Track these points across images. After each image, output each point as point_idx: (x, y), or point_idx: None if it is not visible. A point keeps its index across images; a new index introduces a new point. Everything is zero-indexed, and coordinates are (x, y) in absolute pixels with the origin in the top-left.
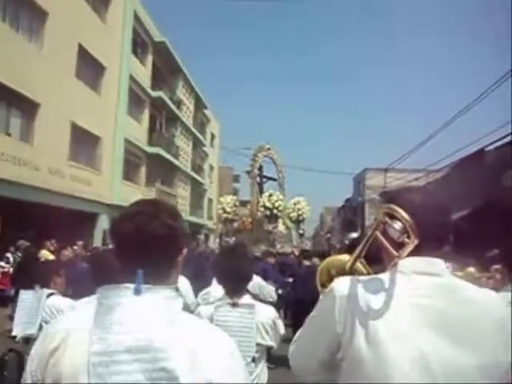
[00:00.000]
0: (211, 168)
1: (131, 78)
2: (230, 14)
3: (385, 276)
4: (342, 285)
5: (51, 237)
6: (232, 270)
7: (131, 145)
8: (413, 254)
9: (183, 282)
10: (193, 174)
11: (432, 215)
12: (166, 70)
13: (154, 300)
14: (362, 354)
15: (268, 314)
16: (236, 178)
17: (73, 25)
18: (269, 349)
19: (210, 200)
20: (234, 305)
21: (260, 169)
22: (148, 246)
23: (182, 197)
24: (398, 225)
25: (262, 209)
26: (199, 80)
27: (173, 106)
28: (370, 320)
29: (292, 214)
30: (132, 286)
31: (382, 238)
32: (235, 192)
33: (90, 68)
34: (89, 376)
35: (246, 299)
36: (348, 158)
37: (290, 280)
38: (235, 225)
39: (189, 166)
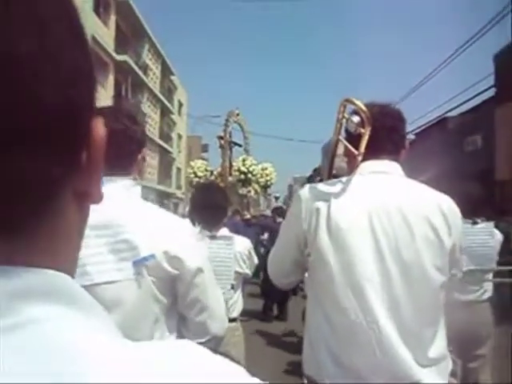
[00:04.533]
0: (179, 137)
1: (94, 39)
2: None
3: (345, 178)
4: (305, 189)
5: None
6: (209, 203)
7: None
8: (372, 158)
9: None
10: (161, 142)
11: (387, 120)
12: (131, 33)
13: (114, 188)
14: (325, 246)
15: (244, 244)
16: (205, 148)
17: None
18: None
19: (179, 169)
20: (213, 237)
21: (230, 134)
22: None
23: (150, 165)
24: (355, 118)
25: (237, 173)
26: (165, 43)
27: (139, 71)
28: (330, 214)
29: (260, 180)
30: None
31: (343, 140)
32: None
33: None
34: None
35: (223, 231)
36: (316, 126)
37: (265, 237)
38: None
39: (157, 134)
